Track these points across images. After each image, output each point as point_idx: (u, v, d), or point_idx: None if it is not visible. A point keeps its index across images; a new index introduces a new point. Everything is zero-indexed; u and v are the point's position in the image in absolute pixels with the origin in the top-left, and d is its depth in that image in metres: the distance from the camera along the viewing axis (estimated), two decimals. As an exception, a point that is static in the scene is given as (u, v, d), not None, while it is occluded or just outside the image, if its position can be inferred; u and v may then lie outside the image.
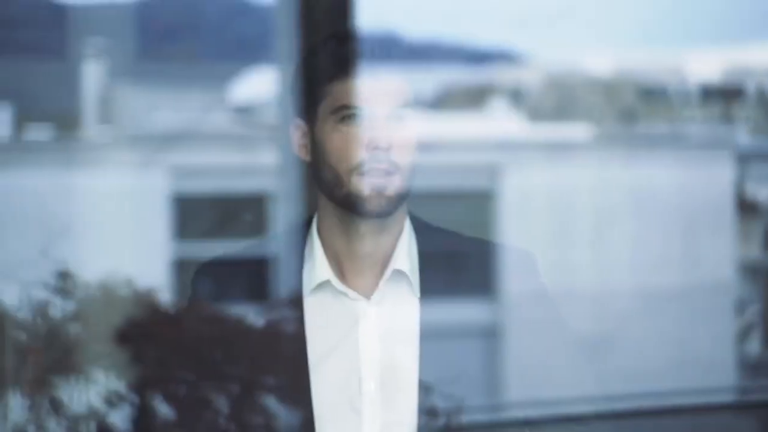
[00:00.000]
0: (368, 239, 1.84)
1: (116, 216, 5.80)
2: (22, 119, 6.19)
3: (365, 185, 1.77)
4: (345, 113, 1.81)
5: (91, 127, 6.25)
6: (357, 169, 1.79)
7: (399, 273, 1.84)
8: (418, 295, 1.84)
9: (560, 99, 8.38)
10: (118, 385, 1.56)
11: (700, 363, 6.62)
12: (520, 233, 6.92)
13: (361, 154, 1.79)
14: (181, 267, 6.42)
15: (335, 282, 1.83)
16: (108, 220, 5.74)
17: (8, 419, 1.95)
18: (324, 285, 1.84)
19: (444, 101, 8.29)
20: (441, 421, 1.75)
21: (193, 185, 6.10)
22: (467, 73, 8.66)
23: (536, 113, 8.17)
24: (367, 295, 1.84)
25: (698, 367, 6.49)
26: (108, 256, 5.33)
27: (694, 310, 7.01)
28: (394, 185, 1.80)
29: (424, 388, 1.76)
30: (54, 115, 6.27)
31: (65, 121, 6.26)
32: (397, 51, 7.65)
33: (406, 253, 1.86)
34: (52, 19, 5.87)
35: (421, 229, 1.89)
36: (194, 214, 6.20)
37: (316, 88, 1.84)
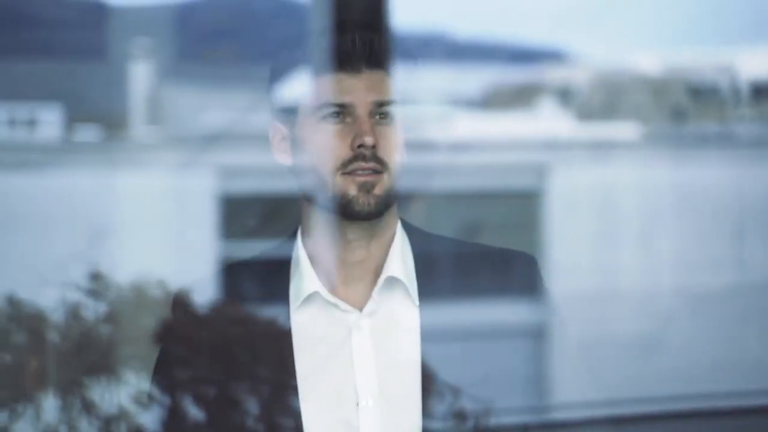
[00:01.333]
0: (357, 245, 1.75)
1: (163, 216, 5.82)
2: (71, 120, 6.22)
3: (351, 185, 1.71)
4: (327, 111, 1.74)
5: (139, 128, 6.28)
6: (342, 169, 1.72)
7: (393, 280, 1.76)
8: (418, 302, 1.76)
9: (608, 98, 8.33)
10: (149, 386, 1.57)
11: (748, 364, 6.55)
12: (566, 233, 6.88)
13: (346, 153, 1.72)
14: (239, 266, 6.39)
15: (324, 293, 1.75)
16: (155, 220, 5.76)
17: (40, 419, 1.96)
18: (313, 297, 1.76)
19: (492, 100, 8.26)
20: (469, 424, 1.69)
21: (240, 185, 6.11)
22: (515, 71, 8.62)
23: (584, 112, 8.12)
24: (360, 306, 1.76)
25: (746, 369, 6.42)
26: (156, 255, 5.36)
27: (742, 310, 6.94)
28: (381, 184, 1.73)
29: (452, 391, 1.70)
30: (102, 115, 6.30)
31: (113, 122, 6.29)
32: (445, 50, 7.63)
33: (399, 259, 1.77)
34: (100, 20, 5.91)
35: (418, 236, 1.81)
36: (240, 213, 6.21)
37: (295, 85, 1.78)
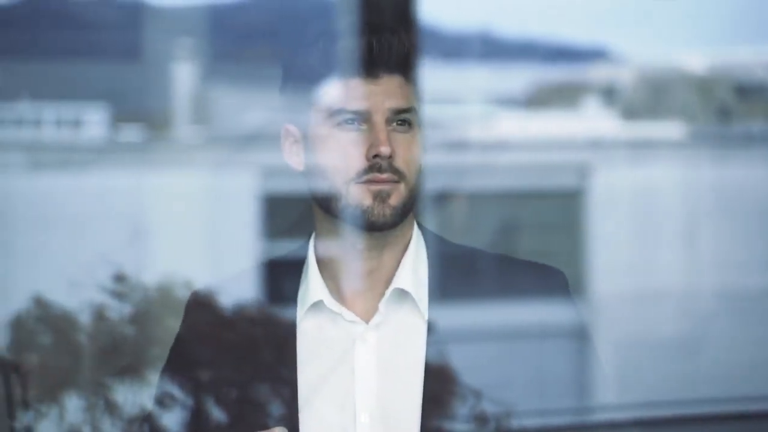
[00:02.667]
0: (369, 255, 1.69)
1: (205, 215, 5.85)
2: (116, 120, 6.26)
3: (366, 195, 1.66)
4: (342, 117, 1.68)
5: (181, 128, 6.31)
6: (356, 179, 1.66)
7: (402, 293, 1.71)
8: (426, 316, 1.70)
9: (653, 96, 8.28)
10: (172, 387, 1.57)
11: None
12: (608, 233, 6.85)
13: (361, 163, 1.66)
14: (269, 265, 6.44)
15: (329, 302, 1.70)
16: (197, 219, 5.79)
17: (64, 420, 1.97)
18: (318, 306, 1.71)
19: (535, 99, 8.23)
20: (490, 427, 1.65)
21: (282, 185, 6.13)
22: (559, 70, 8.60)
23: (628, 111, 8.08)
24: (367, 318, 1.71)
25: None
26: (199, 254, 5.38)
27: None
28: (398, 194, 1.67)
29: (473, 394, 1.67)
30: (146, 115, 6.35)
31: (156, 122, 6.32)
32: (488, 49, 7.61)
33: (410, 271, 1.71)
34: (145, 21, 5.94)
35: (438, 246, 1.77)
36: (282, 213, 6.23)
37: (308, 89, 1.71)
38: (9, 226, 5.16)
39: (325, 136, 1.70)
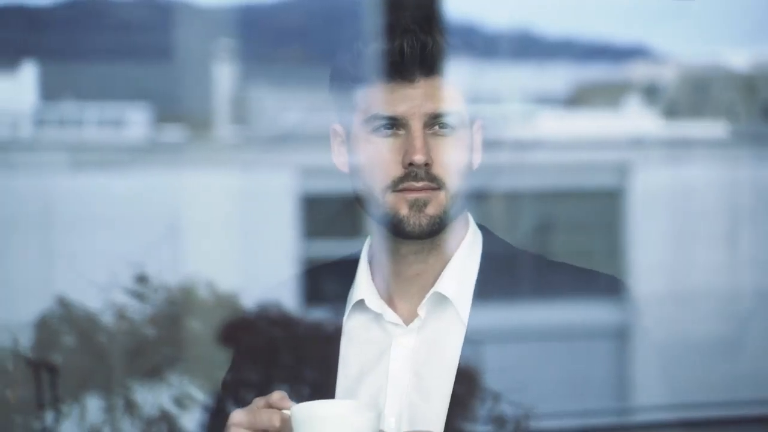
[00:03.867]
0: (413, 260, 1.66)
1: (244, 215, 5.88)
2: (158, 120, 6.30)
3: (402, 204, 1.62)
4: (378, 123, 1.64)
5: (222, 128, 6.34)
6: (393, 187, 1.63)
7: (442, 297, 1.69)
8: (466, 320, 1.67)
9: (696, 95, 8.23)
10: (191, 388, 1.58)
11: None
12: (648, 232, 6.81)
13: (397, 170, 1.62)
14: (309, 265, 6.46)
15: (370, 301, 1.70)
16: (237, 218, 5.82)
17: (85, 419, 1.98)
18: (362, 305, 1.71)
19: (576, 98, 8.21)
20: (509, 429, 1.63)
21: (321, 185, 6.15)
22: (601, 69, 8.57)
23: (670, 109, 8.03)
24: (409, 321, 1.70)
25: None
26: (238, 254, 5.41)
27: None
28: (437, 202, 1.63)
29: (492, 396, 1.65)
30: (186, 115, 6.39)
31: (197, 122, 6.36)
32: (530, 48, 7.60)
33: (455, 275, 1.68)
34: (185, 21, 5.98)
35: (499, 249, 1.73)
36: (321, 212, 6.25)
37: (350, 90, 1.67)
38: (52, 226, 5.21)
39: (363, 141, 1.66)
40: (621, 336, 1.69)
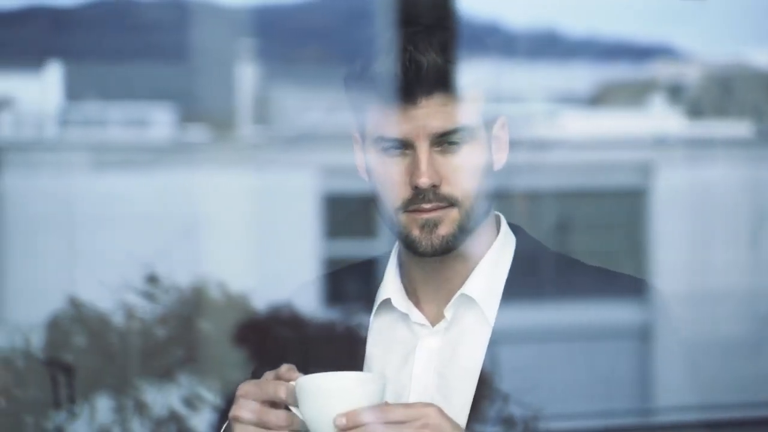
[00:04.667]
0: (439, 267, 1.66)
1: (267, 214, 5.89)
2: (182, 120, 6.33)
3: (413, 225, 1.60)
4: (384, 145, 1.63)
5: (245, 127, 6.36)
6: (403, 208, 1.63)
7: (469, 299, 1.69)
8: (492, 323, 1.67)
9: (720, 94, 8.21)
10: (201, 388, 1.58)
11: None
12: (671, 232, 6.79)
13: (406, 192, 1.61)
14: (330, 264, 6.49)
15: (396, 300, 1.70)
16: (260, 217, 5.84)
17: (95, 420, 1.99)
18: (388, 304, 1.72)
19: (600, 98, 8.20)
20: (518, 430, 1.63)
21: (343, 184, 6.15)
22: (625, 68, 8.56)
23: (695, 109, 8.01)
24: (435, 322, 1.70)
25: None
26: (260, 253, 5.42)
27: None
28: (449, 221, 1.62)
29: (501, 397, 1.64)
30: (210, 115, 6.41)
31: (220, 122, 6.38)
32: (554, 47, 7.59)
33: (483, 278, 1.68)
34: (208, 21, 6.00)
35: (534, 253, 1.72)
36: (343, 212, 6.26)
37: (359, 109, 1.66)
38: (74, 226, 5.23)
39: (374, 159, 1.66)
40: (644, 336, 1.69)
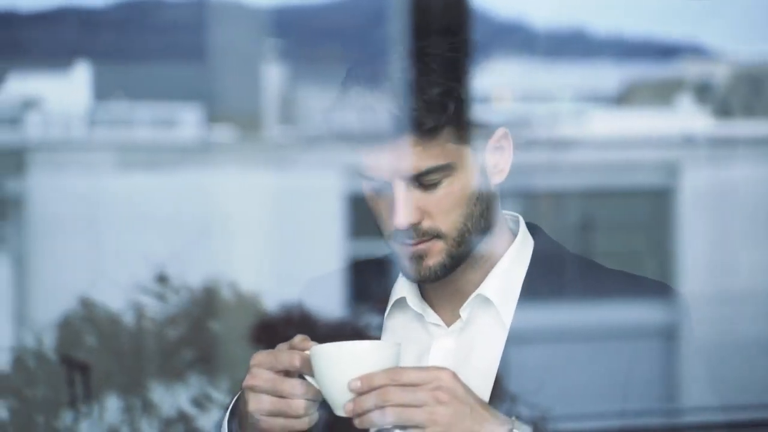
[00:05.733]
0: (453, 274, 1.63)
1: (293, 213, 5.90)
2: (207, 120, 6.35)
3: (403, 255, 1.58)
4: (367, 181, 1.60)
5: (271, 128, 6.38)
6: (391, 238, 1.60)
7: (485, 300, 1.66)
8: (508, 325, 1.65)
9: (749, 93, 8.17)
10: (210, 388, 1.59)
11: None
12: (698, 231, 6.77)
13: (391, 225, 1.59)
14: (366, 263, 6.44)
15: (411, 300, 1.67)
16: (285, 217, 5.85)
17: (103, 419, 1.99)
18: (402, 303, 1.69)
19: (629, 97, 8.17)
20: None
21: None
22: (653, 67, 8.53)
23: (723, 108, 7.97)
24: (450, 323, 1.68)
25: None
26: (285, 252, 5.44)
27: None
28: (437, 253, 1.60)
29: (509, 398, 1.63)
30: (235, 115, 6.43)
31: (247, 122, 6.40)
32: (583, 47, 7.56)
33: (499, 280, 1.66)
34: (235, 21, 6.03)
35: (553, 256, 1.68)
36: (368, 212, 6.28)
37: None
38: (98, 225, 5.26)
39: (365, 192, 1.63)
40: (668, 336, 1.67)
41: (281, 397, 1.54)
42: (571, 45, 7.28)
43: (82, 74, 6.20)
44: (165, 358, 2.04)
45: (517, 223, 1.68)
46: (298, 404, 1.55)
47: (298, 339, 1.54)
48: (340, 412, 1.53)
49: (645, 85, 8.20)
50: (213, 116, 6.35)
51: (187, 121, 6.41)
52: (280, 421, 1.56)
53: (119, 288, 2.34)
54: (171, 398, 1.95)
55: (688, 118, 7.56)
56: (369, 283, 1.74)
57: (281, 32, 6.05)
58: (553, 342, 1.64)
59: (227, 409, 1.66)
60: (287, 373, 1.54)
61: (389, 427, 1.52)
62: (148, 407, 1.95)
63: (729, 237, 6.91)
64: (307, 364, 1.53)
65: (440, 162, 1.55)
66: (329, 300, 1.57)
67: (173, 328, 2.13)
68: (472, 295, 1.64)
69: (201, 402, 1.90)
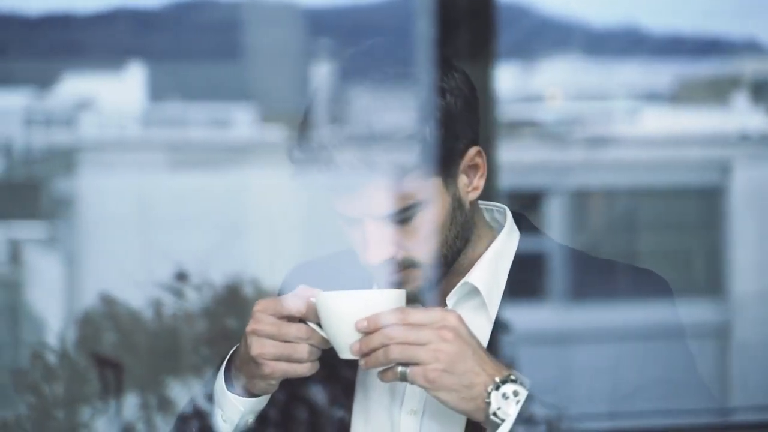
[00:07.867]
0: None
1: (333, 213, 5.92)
2: (260, 119, 6.37)
3: (382, 278, 1.58)
4: (338, 215, 1.61)
5: (320, 127, 6.40)
6: (367, 266, 1.61)
7: (473, 290, 1.66)
8: (493, 316, 1.64)
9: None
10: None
11: None
12: (750, 230, 6.71)
13: (365, 257, 1.59)
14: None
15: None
16: (327, 217, 5.87)
17: (121, 416, 2.01)
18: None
19: (682, 94, 8.12)
20: (540, 430, 1.60)
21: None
22: (708, 65, 8.46)
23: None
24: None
25: None
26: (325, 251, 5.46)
27: None
28: (412, 279, 1.60)
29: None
30: (287, 115, 6.46)
31: (298, 122, 6.43)
32: (637, 44, 7.52)
33: (486, 270, 1.65)
34: (285, 21, 6.06)
35: (539, 248, 1.71)
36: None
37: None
38: (149, 224, 5.31)
39: (339, 223, 1.64)
40: (720, 336, 1.67)
41: (285, 341, 1.56)
42: (625, 43, 7.24)
43: (137, 74, 6.24)
44: (186, 355, 2.06)
45: (503, 214, 1.68)
46: (303, 348, 1.56)
47: (302, 287, 1.56)
48: (347, 355, 1.55)
49: (700, 82, 8.14)
50: (266, 116, 6.38)
51: (241, 121, 6.44)
52: (283, 365, 1.56)
53: (158, 286, 2.37)
54: (187, 395, 1.97)
55: (743, 116, 7.49)
56: (352, 274, 1.69)
57: (332, 32, 6.07)
58: (539, 337, 1.64)
59: (224, 359, 1.67)
60: (290, 320, 1.56)
61: (393, 365, 1.52)
62: (163, 404, 1.97)
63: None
64: (312, 310, 1.55)
65: (410, 202, 1.56)
66: (316, 285, 1.57)
67: (207, 321, 2.15)
68: (459, 283, 1.63)
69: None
